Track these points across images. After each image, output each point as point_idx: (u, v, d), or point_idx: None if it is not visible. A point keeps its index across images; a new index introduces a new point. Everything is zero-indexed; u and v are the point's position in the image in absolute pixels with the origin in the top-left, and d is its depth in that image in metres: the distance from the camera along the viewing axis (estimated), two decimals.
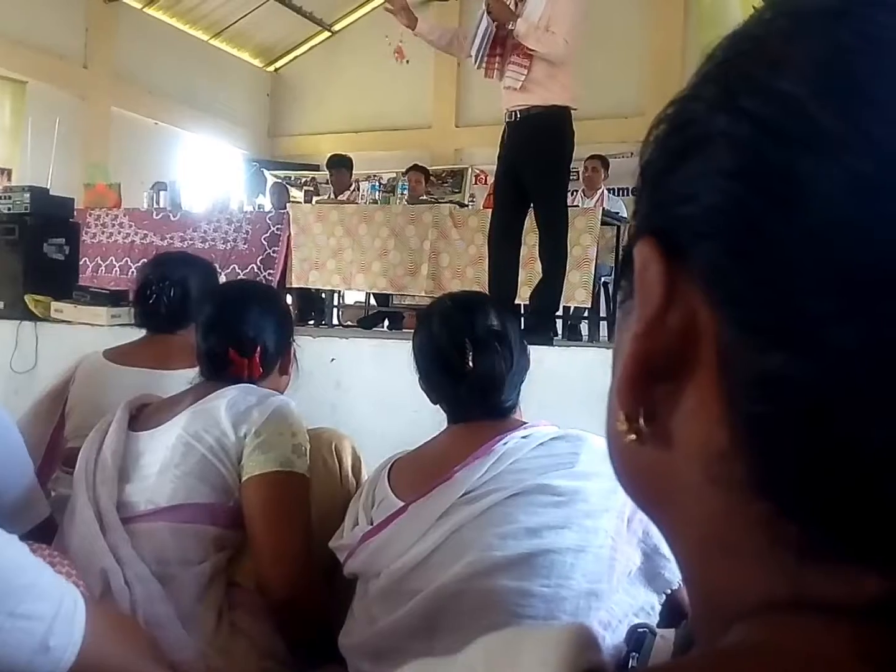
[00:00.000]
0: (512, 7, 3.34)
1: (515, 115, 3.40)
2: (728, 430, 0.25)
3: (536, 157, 3.34)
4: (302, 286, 5.27)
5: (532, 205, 3.48)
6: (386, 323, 5.78)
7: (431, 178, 6.79)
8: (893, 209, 0.21)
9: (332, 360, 3.46)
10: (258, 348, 1.49)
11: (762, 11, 0.27)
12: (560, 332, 4.68)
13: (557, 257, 3.42)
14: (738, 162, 0.24)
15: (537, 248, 3.54)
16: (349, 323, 6.08)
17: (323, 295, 5.76)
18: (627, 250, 0.30)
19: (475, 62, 3.44)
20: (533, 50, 3.25)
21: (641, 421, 0.28)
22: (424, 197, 5.81)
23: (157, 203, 5.86)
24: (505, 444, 1.15)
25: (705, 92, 0.27)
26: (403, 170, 8.77)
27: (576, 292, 4.22)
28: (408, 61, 8.98)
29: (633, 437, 0.28)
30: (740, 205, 0.24)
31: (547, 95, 3.32)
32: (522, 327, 3.46)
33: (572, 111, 3.40)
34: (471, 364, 1.19)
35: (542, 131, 3.32)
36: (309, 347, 3.42)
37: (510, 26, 3.26)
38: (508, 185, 3.49)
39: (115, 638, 1.01)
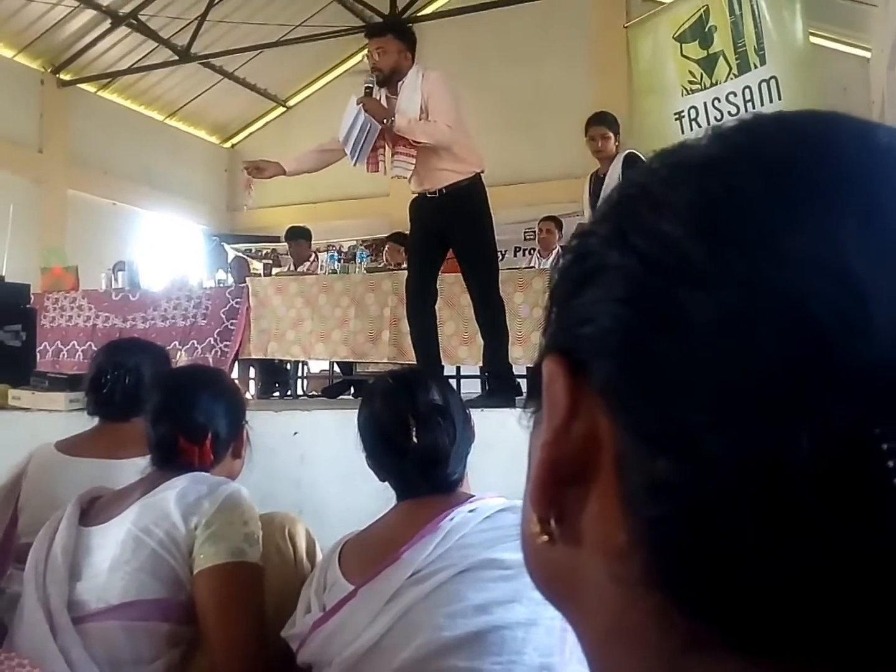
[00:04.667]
0: (383, 103, 3.41)
1: (426, 194, 3.48)
2: (626, 530, 0.27)
3: (465, 233, 3.42)
4: (261, 357, 5.26)
5: (465, 276, 3.56)
6: (352, 391, 5.77)
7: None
8: (752, 335, 0.24)
9: (295, 433, 3.44)
10: (209, 435, 1.49)
11: (651, 160, 0.31)
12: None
13: (497, 323, 3.48)
14: (627, 291, 0.27)
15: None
16: (314, 392, 6.06)
17: (287, 366, 5.74)
18: (536, 366, 0.33)
19: (353, 159, 3.49)
20: (420, 142, 3.32)
21: (553, 523, 0.30)
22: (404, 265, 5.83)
23: (116, 283, 5.84)
24: (451, 519, 1.15)
25: (601, 229, 0.30)
26: (363, 237, 8.88)
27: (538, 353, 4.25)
28: None
29: (545, 538, 0.30)
30: (629, 328, 0.27)
31: (451, 175, 3.40)
32: (487, 391, 3.50)
33: (482, 174, 3.47)
34: (415, 439, 1.20)
35: (461, 204, 3.39)
36: (272, 422, 3.40)
37: (387, 123, 3.32)
38: (429, 252, 3.56)
39: None
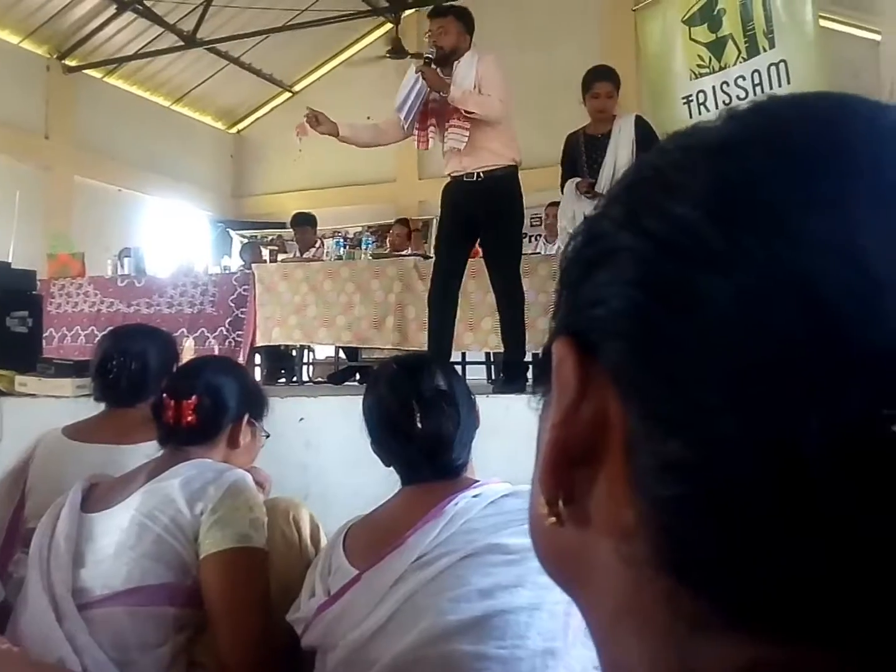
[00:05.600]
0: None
1: (463, 177, 3.53)
2: (634, 511, 0.27)
3: (497, 227, 3.47)
4: (266, 344, 5.28)
5: (489, 268, 3.60)
6: (357, 377, 5.77)
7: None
8: (767, 317, 0.24)
9: (301, 419, 3.46)
10: (192, 396, 1.50)
11: (664, 143, 0.31)
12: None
13: (517, 318, 3.52)
14: (639, 273, 0.27)
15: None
16: (320, 379, 6.07)
17: (293, 352, 5.75)
18: (545, 349, 0.33)
19: (405, 123, 3.59)
20: (472, 112, 3.40)
21: (561, 504, 0.30)
22: (407, 251, 5.82)
23: (122, 270, 5.84)
24: (456, 504, 1.16)
25: (613, 211, 0.30)
26: (369, 223, 8.88)
27: (545, 338, 4.25)
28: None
29: (553, 519, 0.30)
30: (641, 310, 0.27)
31: (493, 158, 3.47)
32: (502, 377, 3.54)
33: (518, 167, 3.54)
34: (419, 425, 1.20)
35: (498, 196, 3.45)
36: (277, 408, 3.39)
37: (443, 94, 3.43)
38: (459, 238, 3.59)
39: None
